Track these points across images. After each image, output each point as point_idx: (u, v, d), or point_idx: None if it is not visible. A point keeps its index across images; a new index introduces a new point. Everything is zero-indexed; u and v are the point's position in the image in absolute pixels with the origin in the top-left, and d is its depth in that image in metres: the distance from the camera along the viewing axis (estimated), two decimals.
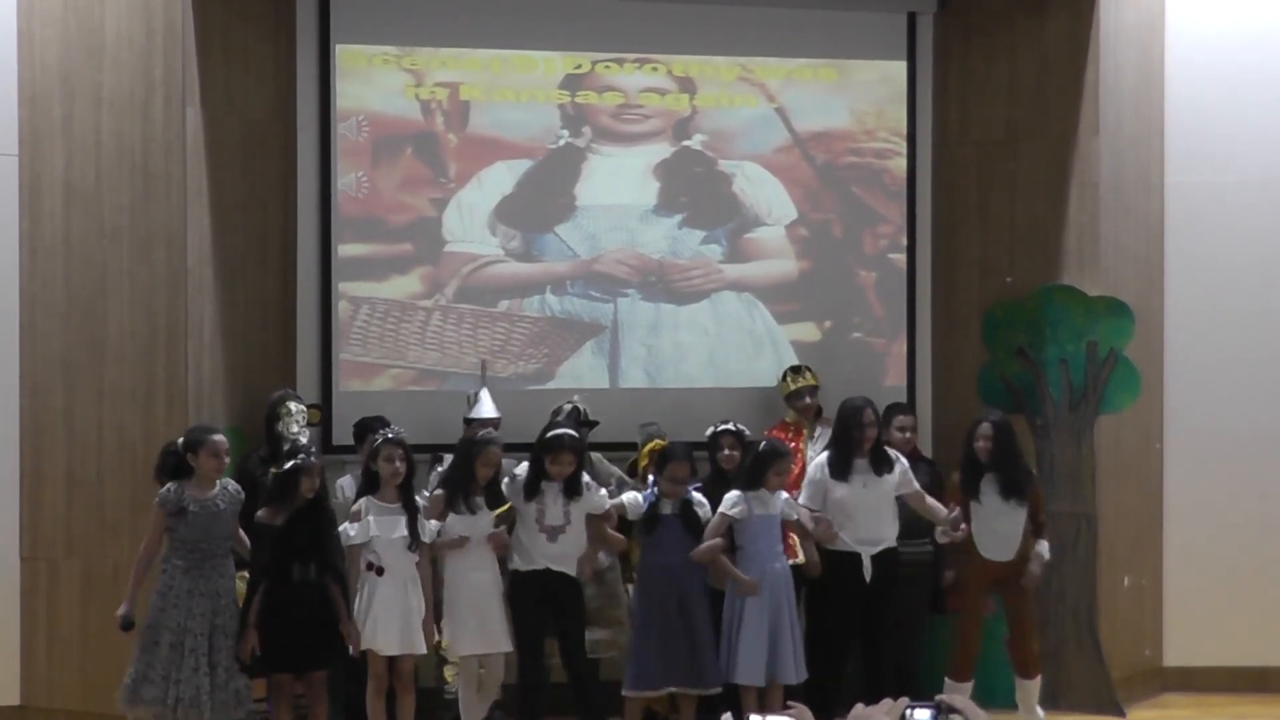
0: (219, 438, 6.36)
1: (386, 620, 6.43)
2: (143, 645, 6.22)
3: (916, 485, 7.08)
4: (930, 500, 7.10)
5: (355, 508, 6.52)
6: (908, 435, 7.44)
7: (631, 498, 6.89)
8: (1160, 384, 8.09)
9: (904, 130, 8.16)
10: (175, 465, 6.34)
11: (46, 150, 7.31)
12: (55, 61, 7.28)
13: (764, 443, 7.00)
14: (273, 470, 6.55)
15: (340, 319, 7.65)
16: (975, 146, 8.15)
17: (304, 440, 6.59)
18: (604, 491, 6.88)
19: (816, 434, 7.60)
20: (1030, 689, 7.10)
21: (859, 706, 3.01)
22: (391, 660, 6.51)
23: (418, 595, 6.53)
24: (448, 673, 7.04)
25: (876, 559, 6.98)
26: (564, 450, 6.65)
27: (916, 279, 8.20)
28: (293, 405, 7.04)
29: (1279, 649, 8.09)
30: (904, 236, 8.19)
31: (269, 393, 7.16)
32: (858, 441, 7.00)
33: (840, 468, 6.99)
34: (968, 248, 8.18)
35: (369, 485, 6.56)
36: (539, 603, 6.76)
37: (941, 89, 8.22)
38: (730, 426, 7.17)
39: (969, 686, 6.97)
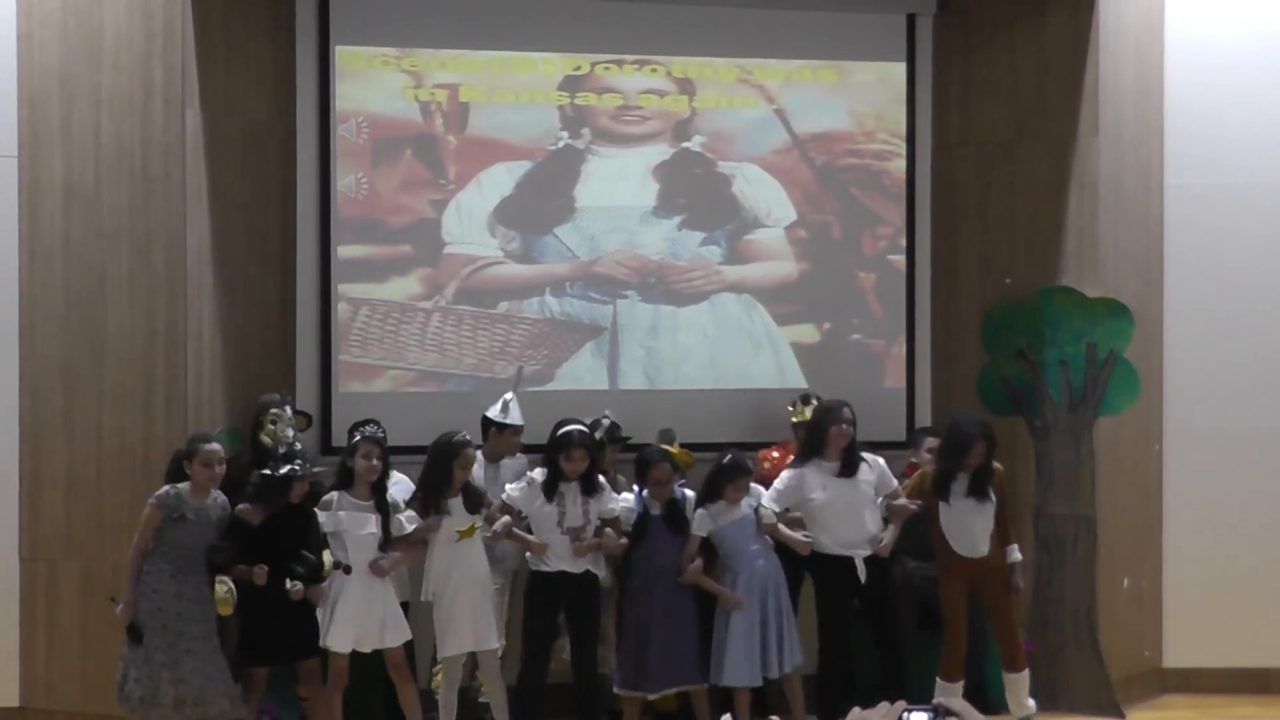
0: (212, 447, 6.37)
1: (347, 618, 6.49)
2: (134, 644, 6.26)
3: (895, 484, 7.10)
4: (899, 502, 7.13)
5: (326, 498, 6.58)
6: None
7: (625, 503, 6.96)
8: (1159, 385, 8.09)
9: (903, 131, 8.16)
10: (179, 471, 6.39)
11: (46, 152, 7.31)
12: (55, 63, 7.28)
13: (727, 456, 7.04)
14: (264, 472, 6.52)
15: (340, 320, 7.65)
16: (975, 148, 8.15)
17: (299, 446, 6.58)
18: (620, 505, 6.95)
19: None
20: (1018, 682, 7.12)
21: (855, 710, 3.01)
22: (379, 655, 6.56)
23: (386, 592, 6.56)
24: (436, 676, 7.01)
25: (870, 560, 7.01)
26: (574, 446, 6.70)
27: (916, 280, 8.21)
28: (281, 412, 7.02)
29: (1278, 650, 8.09)
30: (903, 238, 8.19)
31: (269, 394, 7.16)
32: (828, 443, 7.01)
33: (813, 470, 7.03)
34: (967, 249, 8.18)
35: (343, 481, 6.60)
36: (552, 604, 6.82)
37: (941, 90, 8.22)
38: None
39: (959, 686, 7.00)
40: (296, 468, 6.41)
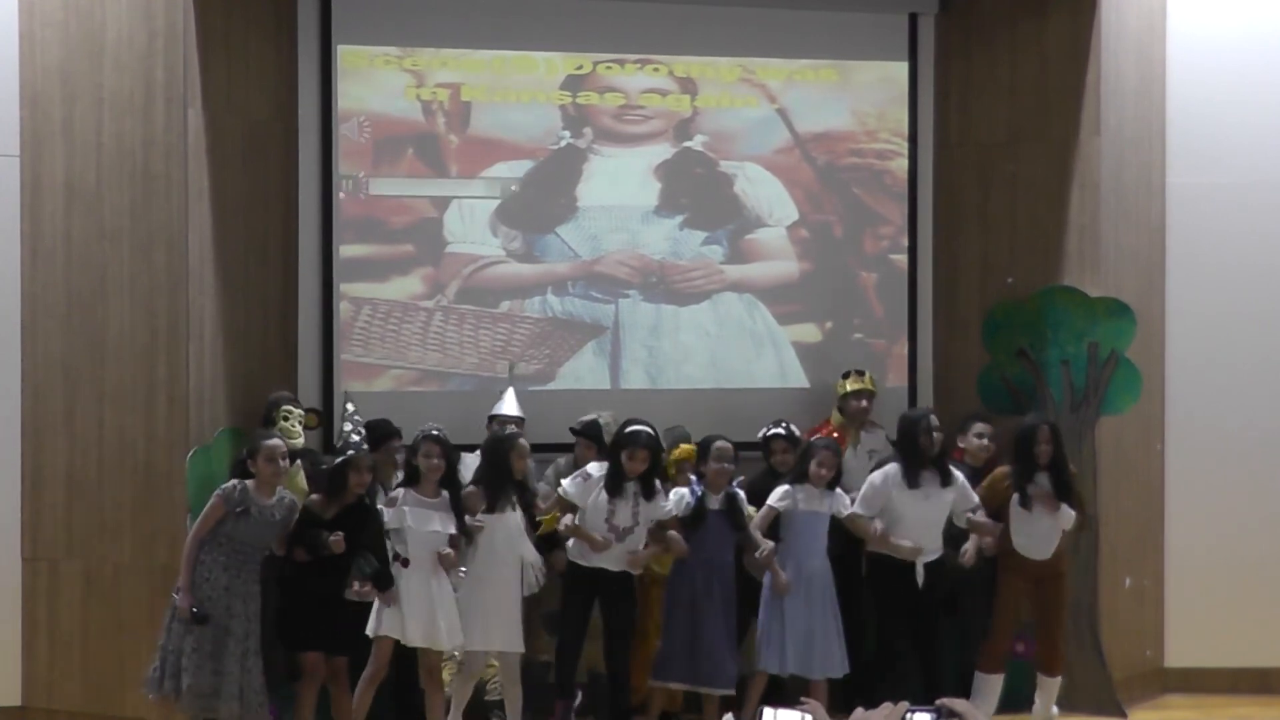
0: (274, 442, 6.47)
1: (410, 611, 6.48)
2: (178, 633, 6.29)
3: (975, 500, 7.07)
4: (978, 517, 7.10)
5: (393, 495, 6.64)
6: (986, 443, 7.41)
7: (678, 495, 6.94)
8: (1161, 385, 8.08)
9: (905, 131, 8.16)
10: (244, 470, 6.46)
11: (47, 151, 7.30)
12: (56, 63, 7.27)
13: (814, 437, 7.13)
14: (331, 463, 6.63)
15: (341, 320, 7.65)
16: (976, 147, 8.15)
17: (355, 438, 6.65)
18: (672, 498, 6.91)
19: (861, 439, 7.58)
20: (1051, 687, 7.17)
21: (859, 710, 3.01)
22: (415, 655, 6.58)
23: (447, 592, 6.58)
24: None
25: (929, 567, 7.02)
26: (640, 447, 6.71)
27: (917, 280, 8.20)
28: (293, 409, 7.05)
29: (1279, 650, 8.08)
30: (905, 237, 8.18)
31: (270, 394, 7.17)
32: (923, 451, 6.98)
33: (910, 477, 6.97)
34: (969, 249, 8.17)
35: (410, 478, 6.65)
36: (587, 599, 6.84)
37: (943, 90, 8.21)
38: (781, 430, 7.26)
39: (1000, 679, 7.06)
40: (350, 455, 6.49)
